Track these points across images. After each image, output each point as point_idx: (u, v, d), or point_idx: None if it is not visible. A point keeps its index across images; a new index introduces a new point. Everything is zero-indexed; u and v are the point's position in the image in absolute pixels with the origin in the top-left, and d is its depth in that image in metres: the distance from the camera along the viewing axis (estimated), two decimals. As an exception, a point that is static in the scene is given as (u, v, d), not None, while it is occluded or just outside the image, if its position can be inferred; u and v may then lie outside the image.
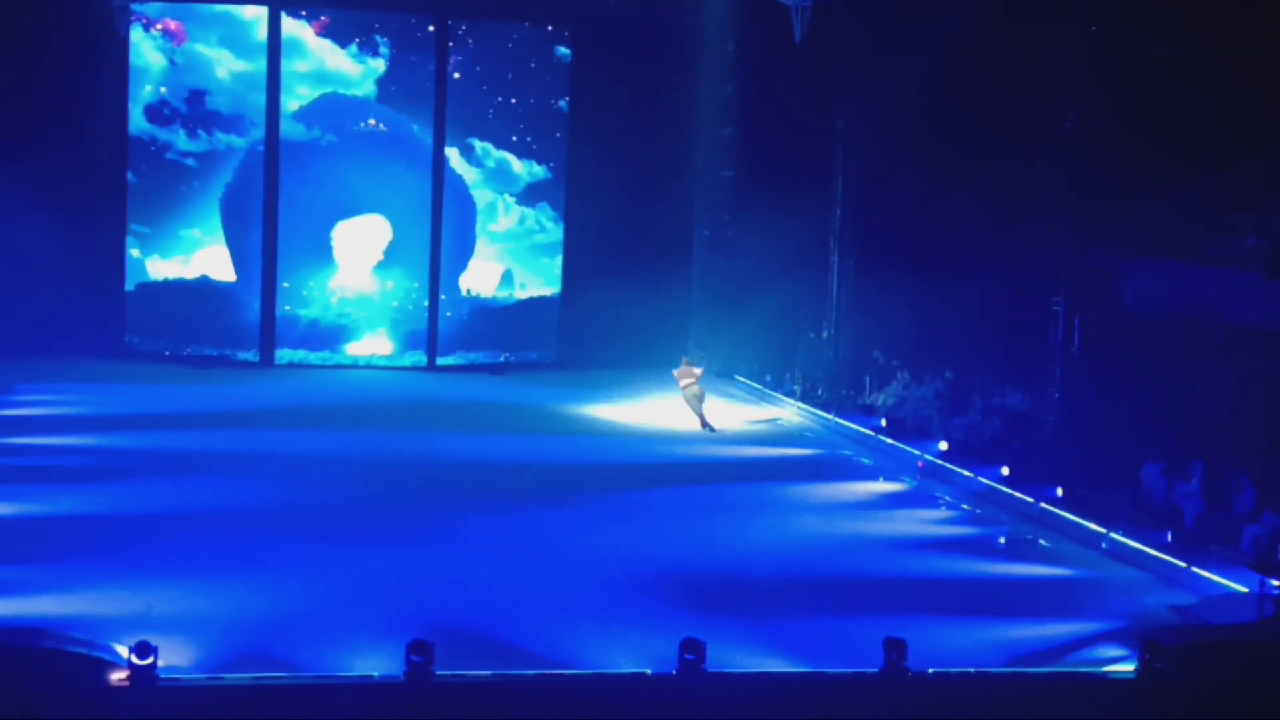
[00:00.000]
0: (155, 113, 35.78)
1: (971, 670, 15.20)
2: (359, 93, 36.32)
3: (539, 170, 37.59)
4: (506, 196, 37.53)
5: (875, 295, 32.73)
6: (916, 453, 26.44)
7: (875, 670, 14.75)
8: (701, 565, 19.26)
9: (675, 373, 30.09)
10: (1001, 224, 28.48)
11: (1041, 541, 21.54)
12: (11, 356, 32.88)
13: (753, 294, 35.96)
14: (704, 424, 29.32)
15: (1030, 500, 22.87)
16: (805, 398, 32.14)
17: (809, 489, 24.49)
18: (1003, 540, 21.64)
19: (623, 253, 37.01)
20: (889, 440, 27.68)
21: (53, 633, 14.43)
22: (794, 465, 26.67)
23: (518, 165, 37.45)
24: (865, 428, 28.75)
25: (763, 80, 35.95)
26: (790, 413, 31.92)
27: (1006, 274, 28.38)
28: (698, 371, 29.88)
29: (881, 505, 23.67)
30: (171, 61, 35.68)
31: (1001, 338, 28.79)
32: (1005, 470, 24.02)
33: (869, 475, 26.09)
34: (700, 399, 29.51)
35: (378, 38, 36.30)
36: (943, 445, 26.26)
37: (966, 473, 24.74)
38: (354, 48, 36.24)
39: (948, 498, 24.21)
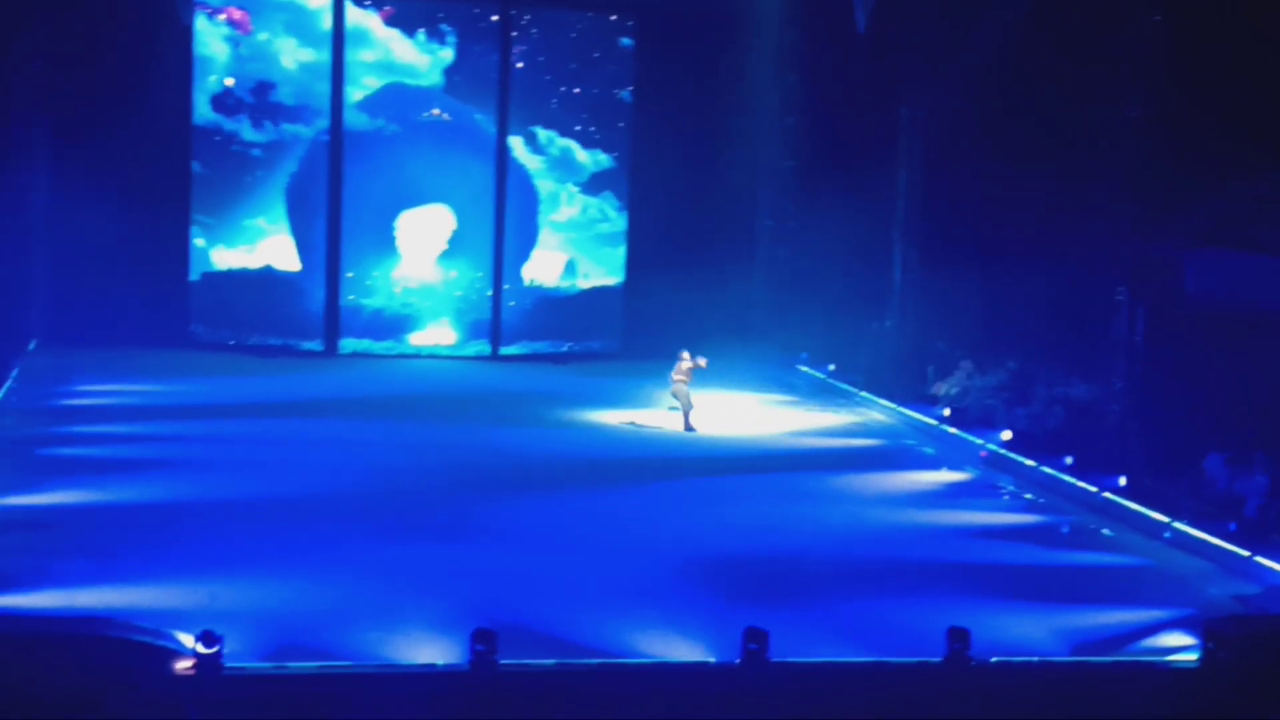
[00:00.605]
0: (220, 102, 35.99)
1: (1035, 659, 15.16)
2: (425, 83, 36.43)
3: (602, 160, 37.60)
4: (570, 186, 37.57)
5: (939, 285, 32.57)
6: (979, 442, 26.33)
7: (938, 660, 14.72)
8: (764, 554, 19.28)
9: (680, 367, 28.18)
10: (1065, 213, 28.31)
11: (1104, 531, 21.45)
12: (77, 346, 33.17)
13: (816, 283, 35.88)
14: (687, 424, 28.08)
15: (1093, 490, 22.75)
16: (868, 387, 31.99)
17: (872, 478, 24.44)
18: (1066, 530, 21.55)
19: (686, 242, 36.99)
20: (952, 430, 27.57)
21: (118, 622, 14.58)
22: (857, 455, 26.60)
23: (581, 155, 37.48)
24: (928, 417, 28.64)
25: (826, 69, 35.84)
26: (859, 414, 31.74)
27: (1070, 263, 28.19)
28: (701, 363, 28.13)
29: (944, 495, 23.61)
30: (236, 51, 35.90)
31: (1065, 327, 28.62)
32: (1068, 460, 23.89)
33: (932, 465, 26.01)
34: (688, 397, 28.00)
35: (443, 26, 36.40)
36: (1006, 435, 26.13)
37: (1030, 462, 24.63)
38: (420, 36, 36.35)
39: (1011, 487, 24.12)
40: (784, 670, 14.40)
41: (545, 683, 14.11)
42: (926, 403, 29.82)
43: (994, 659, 14.83)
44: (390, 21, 36.23)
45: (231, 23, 35.89)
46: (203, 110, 35.95)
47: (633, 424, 28.31)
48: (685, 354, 28.12)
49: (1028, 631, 16.24)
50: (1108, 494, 22.43)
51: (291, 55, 35.99)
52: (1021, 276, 28.55)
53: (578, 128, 37.34)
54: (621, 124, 37.59)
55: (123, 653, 13.83)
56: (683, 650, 15.12)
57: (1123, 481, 22.61)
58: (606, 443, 26.74)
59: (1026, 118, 29.42)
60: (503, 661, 14.06)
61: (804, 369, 34.93)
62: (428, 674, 14.25)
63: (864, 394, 31.70)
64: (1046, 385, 28.20)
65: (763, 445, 27.09)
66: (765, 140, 38.46)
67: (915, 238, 34.13)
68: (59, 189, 34.75)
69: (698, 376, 28.13)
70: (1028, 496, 23.52)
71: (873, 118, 34.52)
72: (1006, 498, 23.55)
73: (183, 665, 13.65)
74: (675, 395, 28.02)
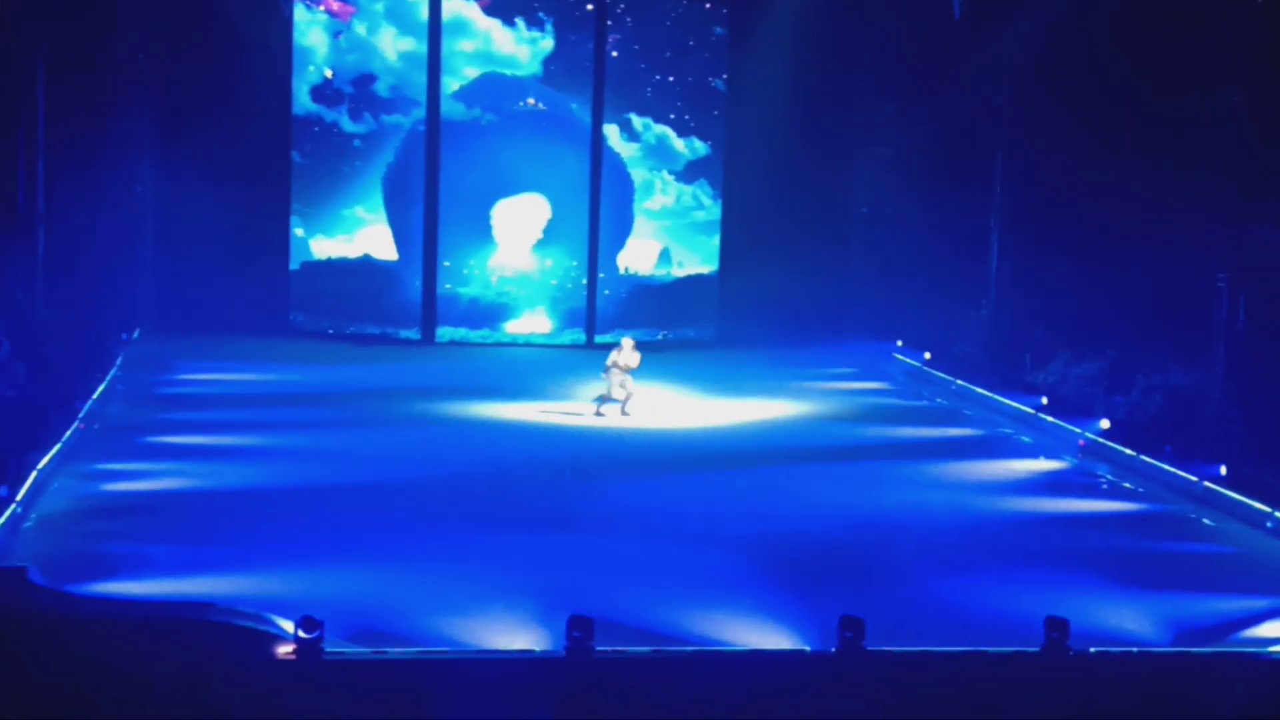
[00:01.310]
0: (319, 93, 36.36)
1: (1134, 650, 15.02)
2: (523, 72, 36.59)
3: (697, 147, 37.62)
4: (665, 174, 37.62)
5: (1035, 271, 32.34)
6: (1078, 431, 26.11)
7: (1036, 649, 14.64)
8: (860, 541, 19.24)
9: (616, 354, 27.17)
10: (1165, 198, 28.00)
11: (1205, 520, 21.21)
12: (179, 334, 33.63)
13: (911, 270, 35.74)
14: (600, 406, 27.14)
15: (1193, 479, 22.50)
16: (964, 375, 31.81)
17: (969, 466, 24.31)
18: (1164, 518, 21.35)
19: (781, 230, 36.97)
20: (1049, 418, 27.36)
21: (221, 607, 14.78)
22: (954, 443, 26.48)
23: (676, 143, 37.52)
24: (1026, 405, 28.43)
25: (922, 55, 35.68)
26: (955, 402, 31.58)
27: (1170, 249, 27.92)
28: (634, 361, 26.99)
29: (1042, 483, 23.44)
30: (336, 41, 36.23)
31: (1165, 314, 28.33)
32: (1168, 448, 23.65)
33: (1030, 454, 25.83)
34: (623, 387, 27.00)
35: (541, 14, 36.54)
36: (1104, 423, 25.89)
37: (1129, 451, 24.40)
38: (520, 26, 36.50)
39: (1109, 476, 23.91)
40: (880, 659, 14.36)
41: (641, 670, 14.14)
42: (1024, 390, 29.61)
43: (1092, 649, 14.72)
44: (489, 10, 36.42)
45: (330, 13, 36.22)
46: (302, 100, 36.33)
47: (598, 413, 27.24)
48: (628, 341, 27.49)
49: (1127, 621, 16.10)
50: (1208, 483, 22.18)
51: (390, 45, 36.27)
52: (1120, 263, 28.29)
53: (672, 116, 37.40)
54: (716, 112, 37.59)
55: (225, 637, 14.03)
56: (778, 639, 15.12)
57: (1223, 470, 22.35)
58: (700, 429, 26.75)
59: (1125, 103, 29.15)
60: (599, 648, 14.13)
61: (899, 356, 34.79)
62: (525, 660, 14.33)
63: (960, 382, 31.53)
64: (1145, 373, 27.92)
65: (860, 435, 26.99)
66: (861, 128, 38.33)
67: (1012, 224, 33.90)
68: (163, 179, 35.31)
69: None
70: (1126, 485, 23.31)
71: (969, 103, 34.32)
72: (1105, 486, 23.35)
73: (284, 650, 13.82)
74: (619, 384, 26.95)
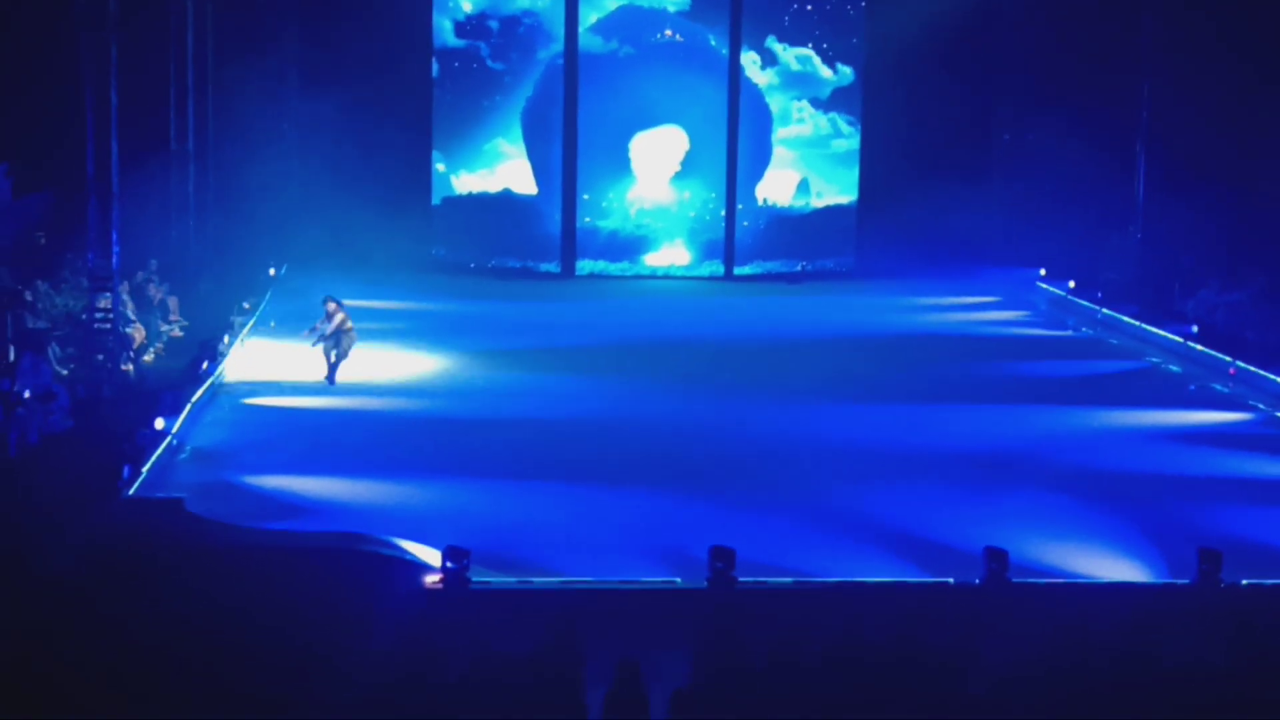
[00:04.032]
0: (460, 28, 36.45)
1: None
2: (659, 4, 36.41)
3: (836, 76, 37.22)
4: (801, 103, 37.29)
5: (1183, 198, 31.69)
6: (1228, 359, 25.60)
7: (1188, 581, 14.46)
8: (1010, 473, 19.06)
9: (332, 316, 23.30)
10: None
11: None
12: (323, 269, 33.96)
13: (1055, 199, 35.16)
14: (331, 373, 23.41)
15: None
16: (1109, 304, 31.29)
17: (1117, 397, 23.97)
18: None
19: (922, 159, 36.45)
20: (1199, 347, 26.84)
21: (371, 537, 15.02)
22: (1102, 373, 26.10)
23: (813, 70, 37.15)
24: (1174, 334, 27.90)
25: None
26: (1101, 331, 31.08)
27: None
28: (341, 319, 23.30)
29: (1193, 413, 23.05)
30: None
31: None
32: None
33: (1179, 383, 25.41)
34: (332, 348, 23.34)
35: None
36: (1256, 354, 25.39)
37: (1281, 379, 23.92)
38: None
39: (1261, 405, 23.46)
40: (1027, 591, 14.28)
41: (782, 601, 14.17)
42: (1173, 319, 29.06)
43: (1245, 581, 14.52)
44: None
45: (468, -52, 36.24)
46: (444, 36, 36.45)
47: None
48: (332, 304, 23.31)
49: (1276, 551, 15.88)
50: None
51: (528, -21, 36.28)
52: (1272, 188, 27.62)
53: (810, 44, 36.99)
54: (855, 39, 37.15)
55: (377, 567, 14.27)
56: (915, 569, 15.08)
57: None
58: (854, 361, 26.60)
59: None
60: (741, 579, 14.17)
61: (1042, 285, 34.30)
62: (668, 591, 14.41)
63: (1105, 311, 31.01)
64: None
65: (1005, 370, 26.47)
66: (1004, 53, 37.69)
67: (1159, 150, 33.21)
68: (308, 117, 35.60)
69: None
70: (1279, 415, 22.89)
71: (1115, 27, 33.60)
72: (1256, 416, 22.94)
73: (432, 579, 14.02)
74: (337, 345, 23.24)
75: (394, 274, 33.72)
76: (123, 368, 22.50)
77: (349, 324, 23.00)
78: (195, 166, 31.88)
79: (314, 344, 23.03)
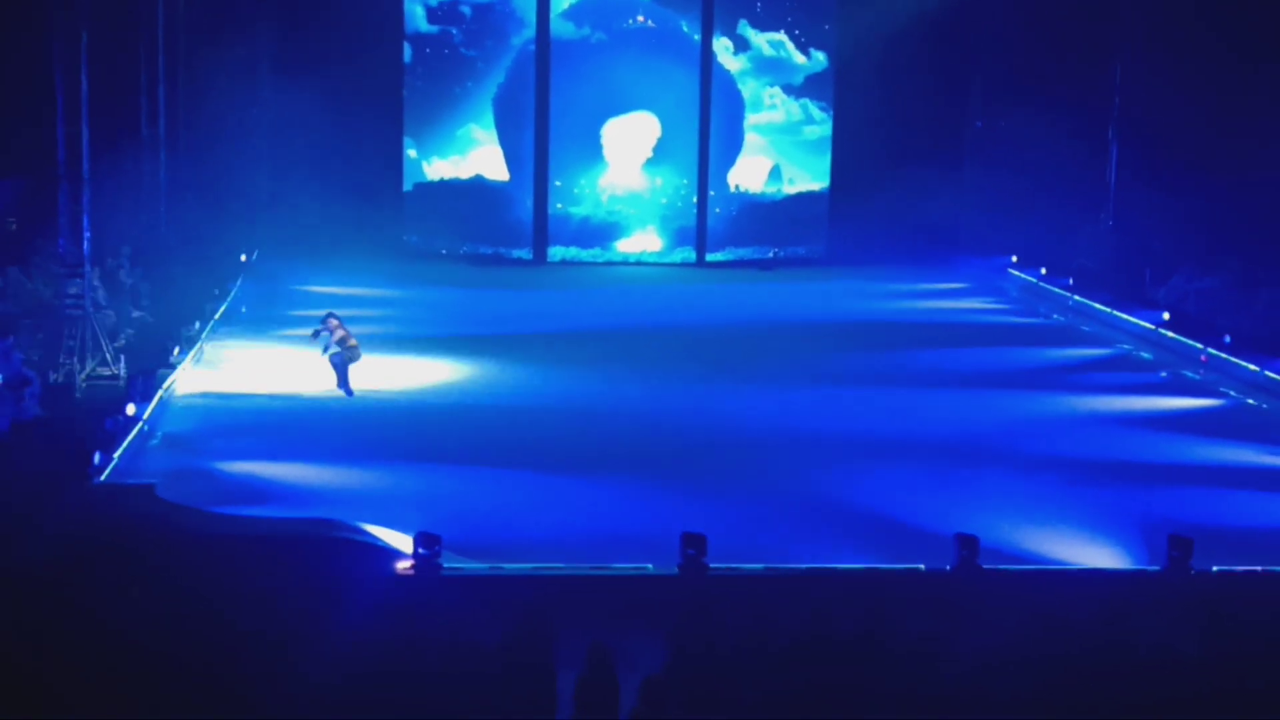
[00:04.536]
0: (432, 14, 36.35)
1: (1258, 569, 14.84)
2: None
3: (808, 62, 37.23)
4: (775, 89, 37.28)
5: (1155, 185, 31.76)
6: (1199, 346, 25.69)
7: (1158, 568, 14.52)
8: (981, 459, 19.11)
9: (330, 331, 22.21)
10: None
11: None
12: (294, 255, 33.86)
13: (1027, 186, 35.21)
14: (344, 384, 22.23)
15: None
16: (1081, 290, 31.36)
17: (1089, 384, 24.05)
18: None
19: (894, 145, 36.47)
20: (1170, 334, 26.94)
21: (344, 524, 15.00)
22: (1073, 360, 26.16)
23: (785, 56, 37.14)
24: (1146, 321, 27.98)
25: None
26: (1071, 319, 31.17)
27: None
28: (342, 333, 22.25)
29: (1164, 399, 23.14)
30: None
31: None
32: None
33: (1150, 370, 25.50)
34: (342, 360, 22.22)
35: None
36: (1227, 339, 25.47)
37: (1252, 366, 23.99)
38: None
39: (1232, 392, 23.57)
40: (995, 576, 14.32)
41: (753, 587, 14.19)
42: (1144, 306, 29.15)
43: (1215, 568, 14.58)
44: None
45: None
46: (416, 21, 36.34)
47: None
48: (334, 320, 22.30)
49: (1249, 540, 15.94)
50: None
51: (499, -36, 36.18)
52: (1245, 174, 27.69)
53: (782, 29, 36.99)
54: (827, 26, 37.16)
55: (348, 553, 14.25)
56: (890, 556, 15.12)
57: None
58: (820, 347, 26.64)
59: (1255, 6, 28.41)
60: (712, 565, 14.19)
61: (1014, 272, 34.38)
62: (639, 577, 14.42)
63: (1077, 297, 31.10)
64: (1270, 287, 27.41)
65: (976, 359, 26.45)
66: (976, 39, 37.73)
67: (1131, 136, 33.29)
68: (279, 103, 35.45)
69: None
70: (1250, 401, 22.98)
71: (1088, 13, 33.65)
72: (1227, 403, 23.04)
73: (403, 566, 14.00)
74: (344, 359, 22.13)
75: (365, 260, 33.65)
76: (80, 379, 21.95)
77: (352, 340, 22.19)
78: (167, 152, 31.73)
79: (324, 353, 22.05)
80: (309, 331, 22.74)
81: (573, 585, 14.11)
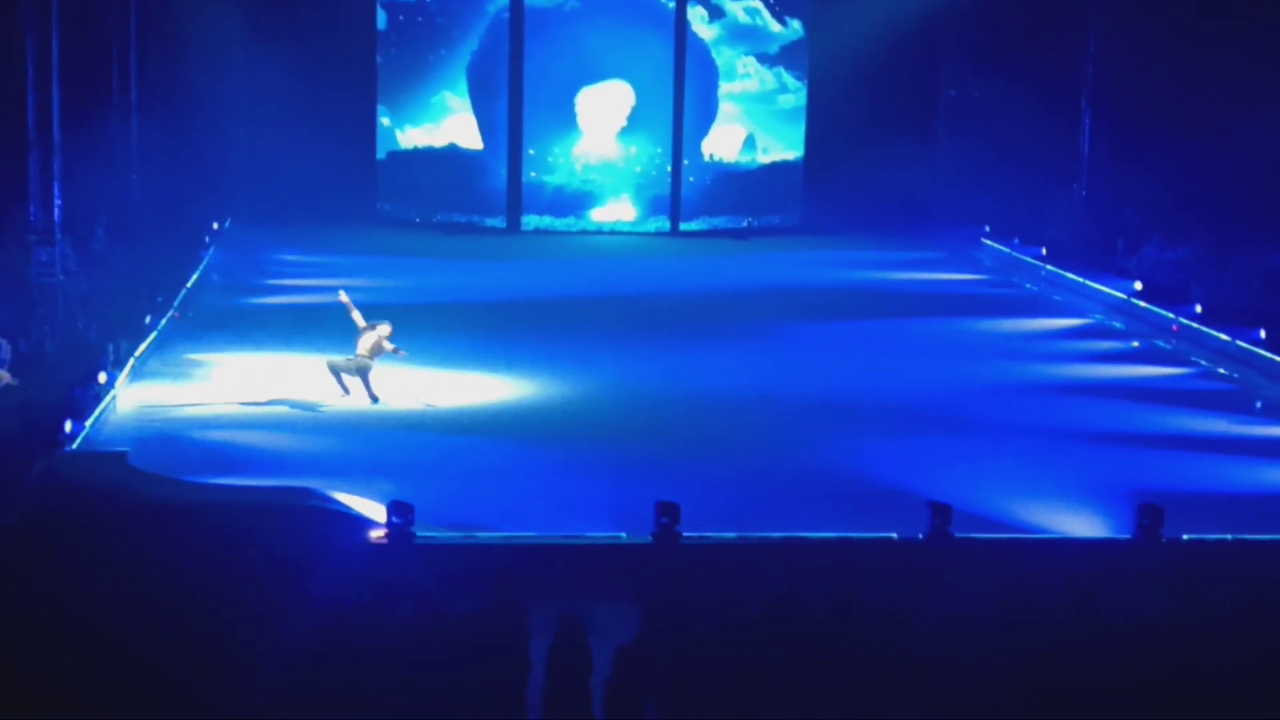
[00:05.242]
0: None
1: (1229, 537, 14.90)
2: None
3: (783, 31, 37.17)
4: (749, 58, 37.22)
5: (1128, 154, 31.80)
6: (1171, 316, 25.77)
7: (1128, 536, 14.57)
8: (953, 428, 19.15)
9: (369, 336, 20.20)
10: (1270, 76, 27.37)
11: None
12: (268, 224, 33.76)
13: (1000, 156, 35.24)
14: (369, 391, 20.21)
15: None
16: (1054, 260, 31.40)
17: (1061, 353, 24.12)
18: (1259, 404, 21.13)
19: (868, 115, 36.44)
20: (1142, 304, 27.01)
21: (317, 492, 14.97)
22: (1046, 330, 26.23)
23: (758, 24, 37.06)
24: (1118, 291, 28.05)
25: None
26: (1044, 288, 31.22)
27: (1269, 130, 27.32)
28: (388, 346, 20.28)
29: (1136, 368, 23.23)
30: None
31: (1263, 197, 27.81)
32: (1263, 333, 23.34)
33: (1122, 339, 25.58)
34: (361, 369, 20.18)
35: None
36: (1198, 308, 25.55)
37: (1224, 336, 24.08)
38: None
39: (1203, 361, 23.65)
40: (967, 545, 14.36)
41: (726, 556, 14.21)
42: (1116, 275, 29.21)
43: (1185, 536, 14.64)
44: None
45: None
46: (386, -11, 36.22)
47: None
48: (386, 326, 20.29)
49: (1219, 508, 16.00)
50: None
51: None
52: (1219, 144, 27.71)
53: (757, -1, 36.96)
54: (803, -6, 37.12)
55: (322, 522, 14.22)
56: (862, 525, 15.16)
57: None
58: (795, 312, 26.67)
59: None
60: (685, 534, 14.20)
61: (987, 242, 34.42)
62: (612, 546, 14.43)
63: (1050, 267, 31.13)
64: (1243, 256, 27.48)
65: (944, 328, 26.50)
66: (950, 8, 37.67)
67: (1105, 105, 33.32)
68: (252, 71, 35.22)
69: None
70: (1221, 371, 23.07)
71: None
72: (1198, 372, 23.12)
73: (376, 534, 13.99)
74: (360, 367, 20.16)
75: (338, 229, 33.58)
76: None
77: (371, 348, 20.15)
78: (139, 119, 31.52)
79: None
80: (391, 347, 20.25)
81: (545, 554, 14.12)
